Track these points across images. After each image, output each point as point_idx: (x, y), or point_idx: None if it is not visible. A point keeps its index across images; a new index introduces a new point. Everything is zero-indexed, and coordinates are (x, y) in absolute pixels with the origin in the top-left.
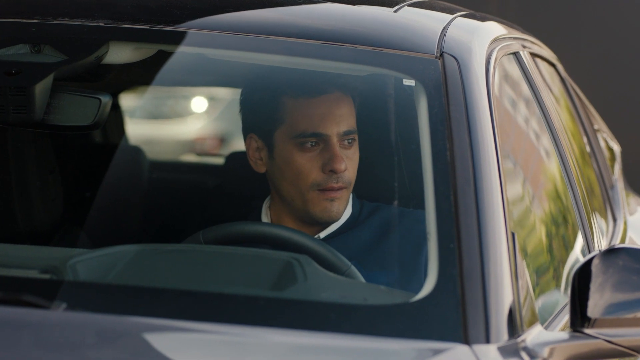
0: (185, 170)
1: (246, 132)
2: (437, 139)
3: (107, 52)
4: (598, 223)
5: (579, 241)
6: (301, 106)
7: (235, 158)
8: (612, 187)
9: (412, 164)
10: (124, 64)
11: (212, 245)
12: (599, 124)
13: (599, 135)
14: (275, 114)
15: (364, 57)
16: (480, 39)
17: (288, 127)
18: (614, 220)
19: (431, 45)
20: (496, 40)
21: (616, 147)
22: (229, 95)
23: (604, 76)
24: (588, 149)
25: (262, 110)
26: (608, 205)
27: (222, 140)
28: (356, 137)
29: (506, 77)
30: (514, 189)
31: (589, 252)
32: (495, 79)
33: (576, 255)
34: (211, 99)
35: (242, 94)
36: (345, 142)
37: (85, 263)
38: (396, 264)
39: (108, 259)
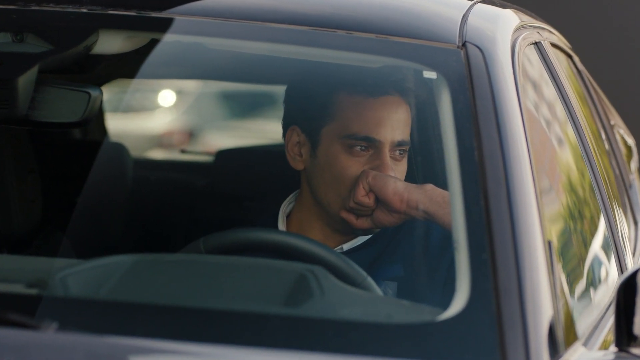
0: (172, 169)
1: (288, 123)
2: (463, 136)
3: (96, 41)
4: (623, 226)
5: (609, 247)
6: (357, 105)
7: (225, 156)
8: (631, 186)
9: (436, 166)
10: (115, 54)
11: (215, 255)
12: (615, 118)
13: (615, 131)
14: (325, 110)
15: (378, 47)
16: (503, 27)
17: (338, 126)
18: (635, 223)
19: (452, 34)
20: (518, 29)
21: (632, 142)
22: (200, 88)
23: (603, 70)
24: (607, 145)
25: (310, 103)
26: (628, 207)
27: (191, 134)
28: (407, 150)
29: (531, 68)
30: (546, 191)
31: (618, 259)
32: (521, 70)
33: (606, 262)
34: (179, 92)
35: (289, 84)
36: (397, 153)
37: (76, 276)
38: (421, 278)
39: (101, 271)
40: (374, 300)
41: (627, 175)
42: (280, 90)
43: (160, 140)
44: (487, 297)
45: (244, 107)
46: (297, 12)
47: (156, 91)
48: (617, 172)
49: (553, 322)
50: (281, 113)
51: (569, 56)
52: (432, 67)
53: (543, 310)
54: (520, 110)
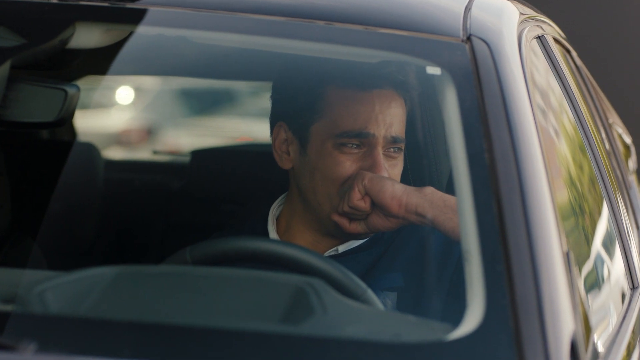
0: (145, 170)
1: (275, 119)
2: (472, 137)
3: (73, 34)
4: (629, 228)
5: (619, 251)
6: (347, 99)
7: (201, 156)
8: (630, 187)
9: (442, 169)
10: (93, 49)
11: (203, 267)
12: (613, 116)
13: (613, 129)
14: (314, 105)
15: (377, 41)
16: (508, 20)
17: (329, 123)
18: (638, 227)
19: (455, 26)
20: (522, 22)
21: (629, 140)
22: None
23: (601, 67)
24: (606, 144)
25: (297, 98)
26: (630, 209)
27: (150, 132)
28: (403, 148)
29: (537, 64)
30: (559, 194)
31: (627, 263)
32: (529, 66)
33: (617, 267)
34: (137, 89)
35: (276, 78)
36: (391, 150)
37: (55, 290)
38: (423, 289)
39: (81, 285)
40: (379, 317)
41: (627, 176)
42: (242, 86)
43: (119, 138)
44: (504, 313)
45: (211, 104)
46: (289, 4)
47: (129, 87)
48: (618, 172)
49: (575, 337)
50: (240, 110)
51: (568, 51)
52: (436, 62)
53: (564, 326)
54: (532, 109)
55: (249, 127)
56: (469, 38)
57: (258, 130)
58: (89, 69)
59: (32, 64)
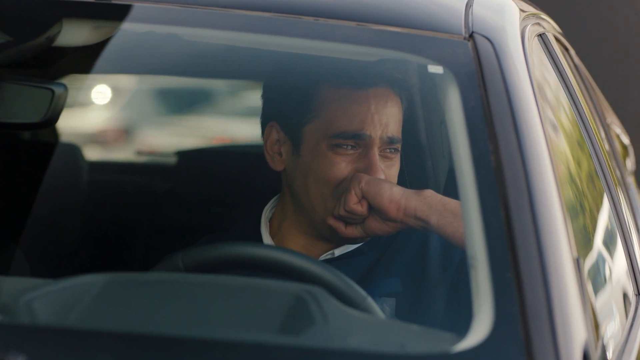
0: (130, 172)
1: (266, 119)
2: (477, 139)
3: (60, 31)
4: (632, 230)
5: (621, 255)
6: (341, 99)
7: (188, 157)
8: (629, 188)
9: (440, 170)
10: (81, 47)
11: (197, 274)
12: (610, 115)
13: (611, 129)
14: (307, 105)
15: (375, 38)
16: (510, 17)
17: (323, 124)
18: (638, 230)
19: (457, 24)
20: (524, 19)
21: (627, 141)
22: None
23: (600, 66)
24: (606, 144)
25: (290, 97)
26: (630, 210)
27: (127, 132)
28: (399, 148)
29: (540, 62)
30: (567, 197)
31: (633, 271)
32: (533, 64)
33: (622, 272)
34: (114, 89)
35: (267, 76)
36: (387, 151)
37: (44, 300)
38: (427, 297)
39: (71, 293)
40: (382, 326)
41: (625, 177)
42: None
43: (95, 138)
44: (513, 323)
45: (195, 103)
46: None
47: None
48: (618, 172)
49: (587, 347)
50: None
51: (566, 49)
52: (437, 61)
53: (576, 335)
54: (538, 109)
55: (227, 126)
56: (471, 35)
57: (236, 130)
58: (76, 67)
59: (17, 62)
